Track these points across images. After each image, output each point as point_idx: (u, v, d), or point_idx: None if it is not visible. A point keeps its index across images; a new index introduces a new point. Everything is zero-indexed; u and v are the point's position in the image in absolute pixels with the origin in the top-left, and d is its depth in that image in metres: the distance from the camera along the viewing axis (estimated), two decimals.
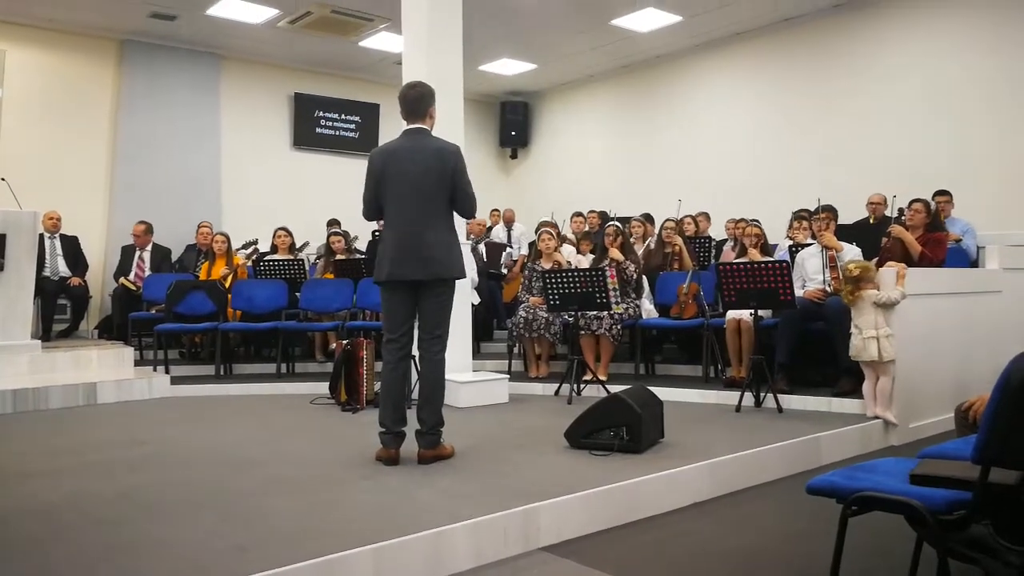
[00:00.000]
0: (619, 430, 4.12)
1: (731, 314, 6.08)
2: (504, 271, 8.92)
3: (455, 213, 4.13)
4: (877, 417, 4.97)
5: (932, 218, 5.98)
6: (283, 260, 8.10)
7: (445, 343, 4.09)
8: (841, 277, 5.65)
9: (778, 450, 4.28)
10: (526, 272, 7.28)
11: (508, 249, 9.57)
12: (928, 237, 5.84)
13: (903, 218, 6.01)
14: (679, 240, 7.31)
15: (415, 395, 4.19)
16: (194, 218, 9.29)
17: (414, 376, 4.48)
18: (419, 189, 3.97)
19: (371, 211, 4.17)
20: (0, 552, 2.76)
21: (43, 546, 2.83)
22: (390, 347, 4.06)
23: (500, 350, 7.78)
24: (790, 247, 6.58)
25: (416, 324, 4.11)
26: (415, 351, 4.14)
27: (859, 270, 5.01)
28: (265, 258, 8.24)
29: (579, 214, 9.53)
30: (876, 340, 4.85)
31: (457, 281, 4.11)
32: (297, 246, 8.63)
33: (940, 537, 2.10)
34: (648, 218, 8.40)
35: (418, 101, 4.13)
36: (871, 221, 7.50)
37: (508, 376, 6.29)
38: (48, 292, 8.06)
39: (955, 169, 7.80)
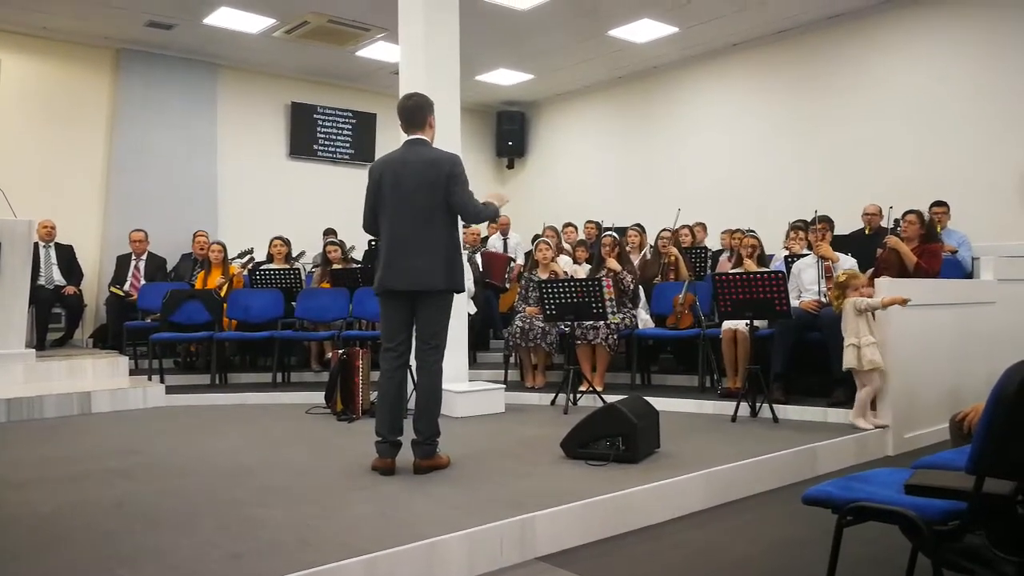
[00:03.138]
0: (615, 440, 4.12)
1: (727, 324, 6.09)
2: (507, 286, 8.89)
3: (462, 219, 4.14)
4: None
5: (926, 229, 6.00)
6: (279, 269, 8.10)
7: (442, 353, 4.09)
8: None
9: (774, 460, 4.28)
10: (523, 282, 7.29)
11: (512, 264, 9.55)
12: (923, 248, 5.86)
13: (898, 229, 6.03)
14: (675, 251, 7.32)
15: (412, 405, 4.19)
16: (190, 227, 9.29)
17: (411, 386, 4.48)
18: (414, 200, 3.98)
19: (371, 224, 4.17)
20: None
21: (38, 556, 2.82)
22: (387, 356, 4.07)
23: (496, 360, 7.77)
24: (786, 257, 6.60)
25: (414, 334, 4.11)
26: (412, 361, 4.14)
27: (846, 276, 5.05)
28: (261, 267, 8.24)
29: (570, 224, 9.54)
30: (856, 348, 4.88)
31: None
32: (293, 255, 8.63)
33: (935, 547, 2.10)
34: (642, 228, 8.42)
35: (415, 111, 4.15)
36: (866, 232, 7.53)
37: (504, 386, 6.28)
38: (43, 301, 8.03)
39: (949, 180, 7.83)
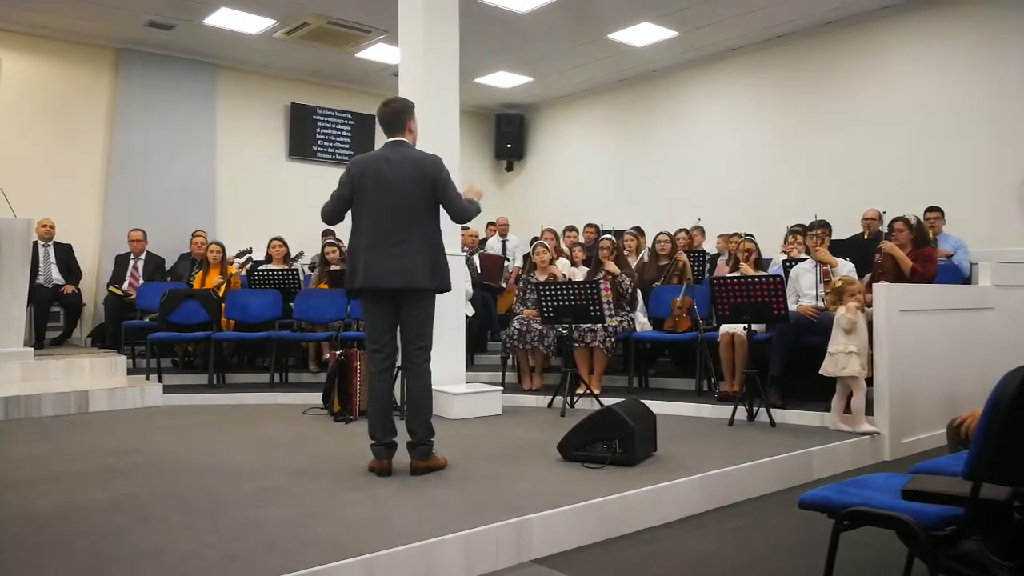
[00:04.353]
0: (612, 443, 4.12)
1: (725, 328, 6.09)
2: (503, 285, 8.92)
3: (451, 220, 4.15)
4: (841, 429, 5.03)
5: (917, 233, 6.01)
6: (277, 270, 8.10)
7: (429, 354, 4.09)
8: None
9: (771, 464, 4.29)
10: (521, 284, 7.29)
11: (507, 263, 9.59)
12: (918, 253, 5.87)
13: (892, 235, 6.04)
14: (684, 256, 7.28)
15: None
16: (188, 227, 9.29)
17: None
18: (398, 199, 3.97)
19: (334, 215, 4.14)
20: None
21: (34, 555, 2.81)
22: (374, 358, 4.06)
23: (494, 362, 7.77)
24: (784, 262, 6.61)
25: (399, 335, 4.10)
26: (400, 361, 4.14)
27: (842, 283, 5.06)
28: (259, 268, 8.24)
29: (572, 228, 9.55)
30: (834, 356, 4.92)
31: (451, 292, 4.11)
32: (292, 256, 8.63)
33: (932, 553, 2.11)
34: (639, 231, 8.42)
35: (395, 115, 4.16)
36: (865, 236, 7.53)
37: (502, 388, 6.29)
38: (41, 300, 8.03)
39: (948, 185, 7.85)
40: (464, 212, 4.13)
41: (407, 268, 3.93)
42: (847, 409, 5.05)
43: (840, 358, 4.90)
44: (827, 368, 4.99)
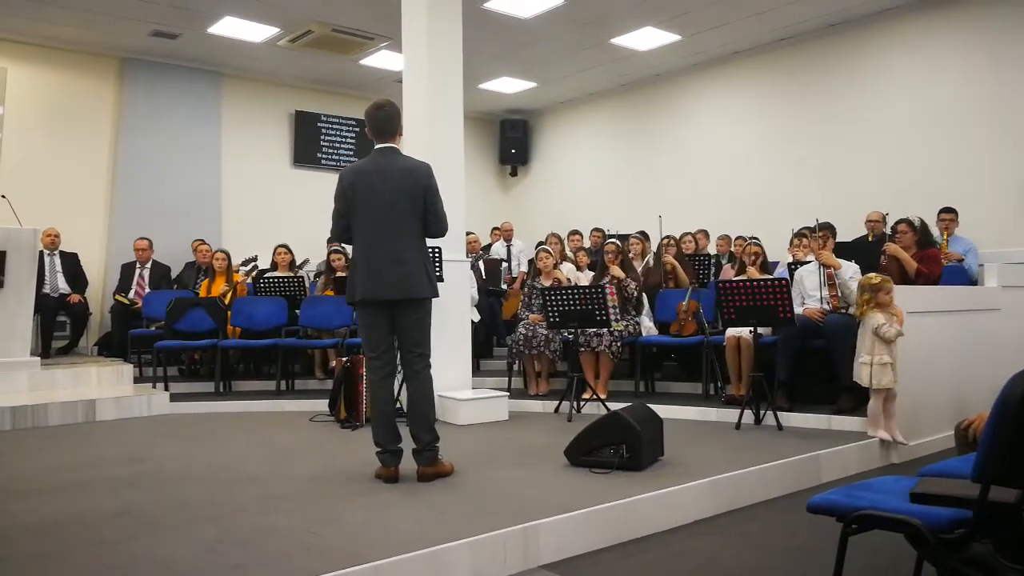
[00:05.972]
0: (619, 448, 4.11)
1: (731, 331, 6.08)
2: (504, 287, 8.93)
3: (428, 229, 4.13)
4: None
5: (920, 235, 5.99)
6: (283, 277, 8.11)
7: (428, 360, 4.10)
8: (839, 293, 5.68)
9: (778, 468, 4.27)
10: (526, 289, 7.29)
11: (504, 264, 9.60)
12: (922, 254, 5.85)
13: (896, 238, 6.02)
14: (671, 259, 7.30)
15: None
16: (194, 235, 9.33)
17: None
18: (391, 208, 3.98)
19: (341, 231, 4.16)
20: None
21: (41, 564, 2.81)
22: (373, 365, 4.07)
23: (500, 367, 7.77)
24: (789, 264, 6.59)
25: (397, 342, 4.11)
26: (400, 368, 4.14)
27: (880, 280, 4.91)
28: (265, 275, 8.25)
29: (576, 232, 9.55)
30: (869, 366, 4.85)
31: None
32: (297, 263, 8.65)
33: (941, 556, 2.10)
34: (645, 236, 8.42)
35: (388, 120, 4.14)
36: (869, 239, 7.51)
37: (508, 394, 6.28)
38: (48, 309, 8.06)
39: (953, 186, 7.82)
40: (441, 225, 4.13)
41: (405, 278, 3.95)
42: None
43: (876, 369, 4.80)
44: (860, 377, 4.89)
